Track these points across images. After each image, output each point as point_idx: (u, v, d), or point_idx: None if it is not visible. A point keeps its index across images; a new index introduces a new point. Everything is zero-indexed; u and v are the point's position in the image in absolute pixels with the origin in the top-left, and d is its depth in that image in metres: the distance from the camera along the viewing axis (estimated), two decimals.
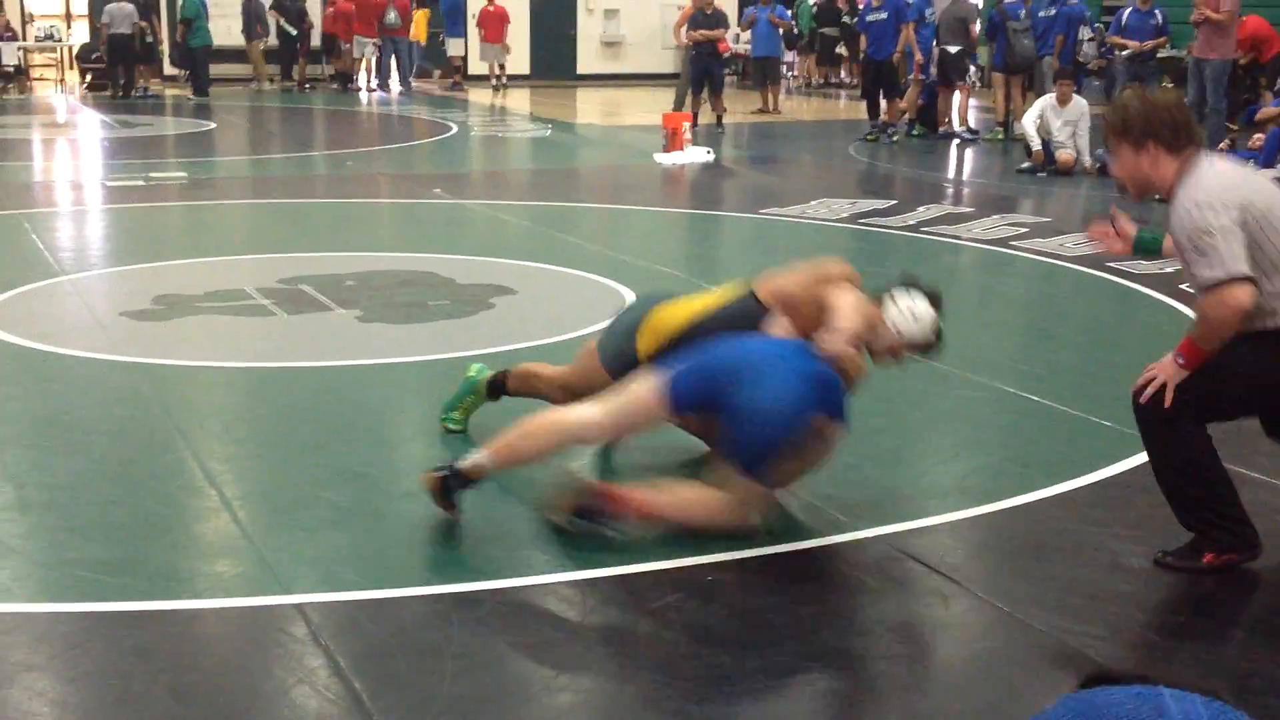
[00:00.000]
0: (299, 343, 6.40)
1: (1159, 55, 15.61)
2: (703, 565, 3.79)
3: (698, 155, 13.72)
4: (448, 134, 16.62)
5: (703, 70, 16.48)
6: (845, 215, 10.22)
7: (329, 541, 3.98)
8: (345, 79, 22.98)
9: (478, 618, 3.50)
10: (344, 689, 3.10)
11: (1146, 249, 4.24)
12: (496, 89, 22.97)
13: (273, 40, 22.55)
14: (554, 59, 26.50)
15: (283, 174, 13.24)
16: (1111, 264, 8.18)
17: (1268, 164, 11.76)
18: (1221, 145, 12.73)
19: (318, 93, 22.52)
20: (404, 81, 23.15)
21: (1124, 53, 15.21)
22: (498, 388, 4.91)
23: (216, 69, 21.37)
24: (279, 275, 7.63)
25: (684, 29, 16.65)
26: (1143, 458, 3.94)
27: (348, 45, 22.88)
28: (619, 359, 4.49)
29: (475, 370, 4.99)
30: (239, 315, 6.80)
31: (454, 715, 2.99)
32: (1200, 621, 3.56)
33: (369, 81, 23.30)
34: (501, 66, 23.70)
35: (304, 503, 4.31)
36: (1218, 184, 3.58)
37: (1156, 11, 14.93)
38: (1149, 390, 3.66)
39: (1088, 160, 12.73)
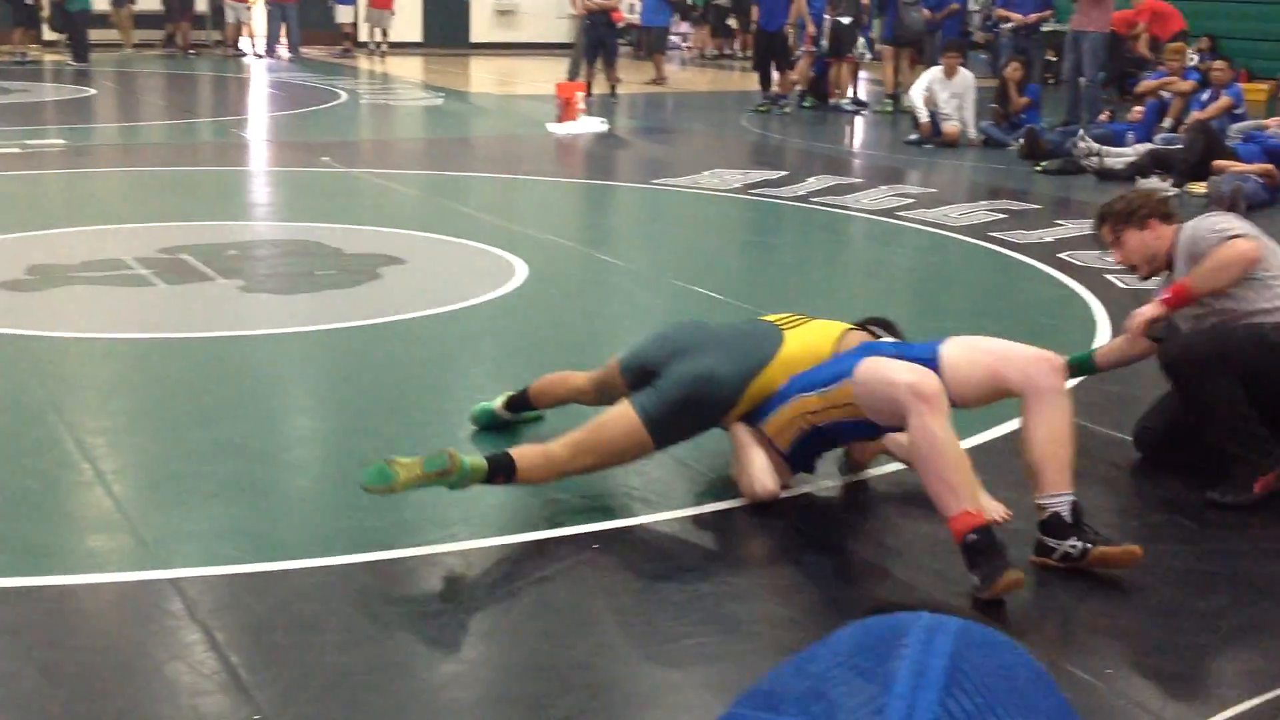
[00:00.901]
0: (179, 314, 6.26)
1: (1043, 28, 15.86)
2: (587, 533, 3.79)
3: (591, 125, 13.67)
4: (336, 101, 16.37)
5: (596, 40, 16.41)
6: (737, 185, 10.26)
7: (207, 516, 3.91)
8: (231, 45, 22.53)
9: (359, 590, 3.46)
10: (220, 664, 3.05)
11: (1083, 368, 4.68)
12: (374, 53, 22.74)
13: (146, 4, 22.00)
14: (447, 26, 26.21)
15: (165, 141, 12.93)
16: (994, 234, 8.31)
17: (1145, 137, 12.03)
18: (1101, 117, 12.98)
19: (203, 58, 22.02)
20: (292, 48, 22.75)
21: (1008, 25, 15.43)
22: (520, 404, 4.61)
23: (98, 34, 20.79)
24: (159, 245, 7.46)
25: None
26: (1015, 424, 3.99)
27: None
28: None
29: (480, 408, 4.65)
30: (116, 286, 6.63)
31: (334, 689, 2.95)
32: (1074, 583, 3.63)
33: (254, 47, 22.85)
34: (384, 32, 23.46)
35: (182, 476, 4.22)
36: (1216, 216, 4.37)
37: None
38: (1138, 325, 4.26)
39: (973, 132, 12.91)
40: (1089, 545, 3.50)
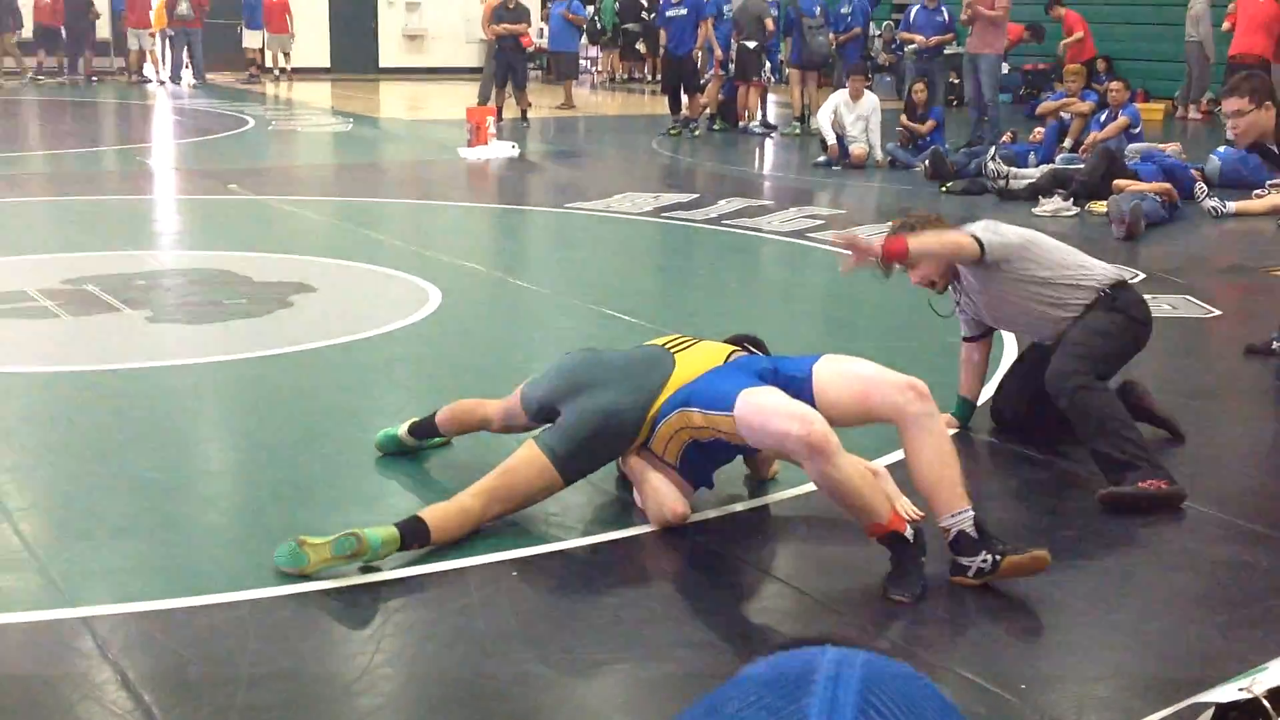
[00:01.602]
0: (84, 346, 6.14)
1: (945, 51, 16.13)
2: (506, 561, 3.77)
3: (502, 150, 13.67)
4: (243, 128, 16.20)
5: (506, 64, 16.41)
6: (649, 209, 10.30)
7: (117, 552, 3.84)
8: (134, 72, 22.22)
9: (274, 624, 3.42)
10: (133, 702, 2.99)
11: (966, 414, 4.97)
12: (278, 79, 22.61)
13: (28, 32, 21.68)
14: (355, 52, 26.08)
15: (68, 170, 12.71)
16: None
17: (1047, 158, 12.28)
18: (1004, 138, 13.23)
19: (105, 85, 21.68)
20: (197, 74, 22.48)
21: (911, 48, 15.68)
22: (426, 430, 4.59)
23: None
24: (63, 275, 7.32)
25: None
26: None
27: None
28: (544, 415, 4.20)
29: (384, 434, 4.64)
30: (18, 318, 6.50)
31: None
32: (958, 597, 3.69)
33: (159, 74, 22.55)
34: (286, 55, 23.33)
35: (91, 512, 4.14)
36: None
37: (943, 8, 15.44)
38: (853, 241, 4.52)
39: (879, 154, 13.09)
40: (999, 557, 3.56)
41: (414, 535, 3.74)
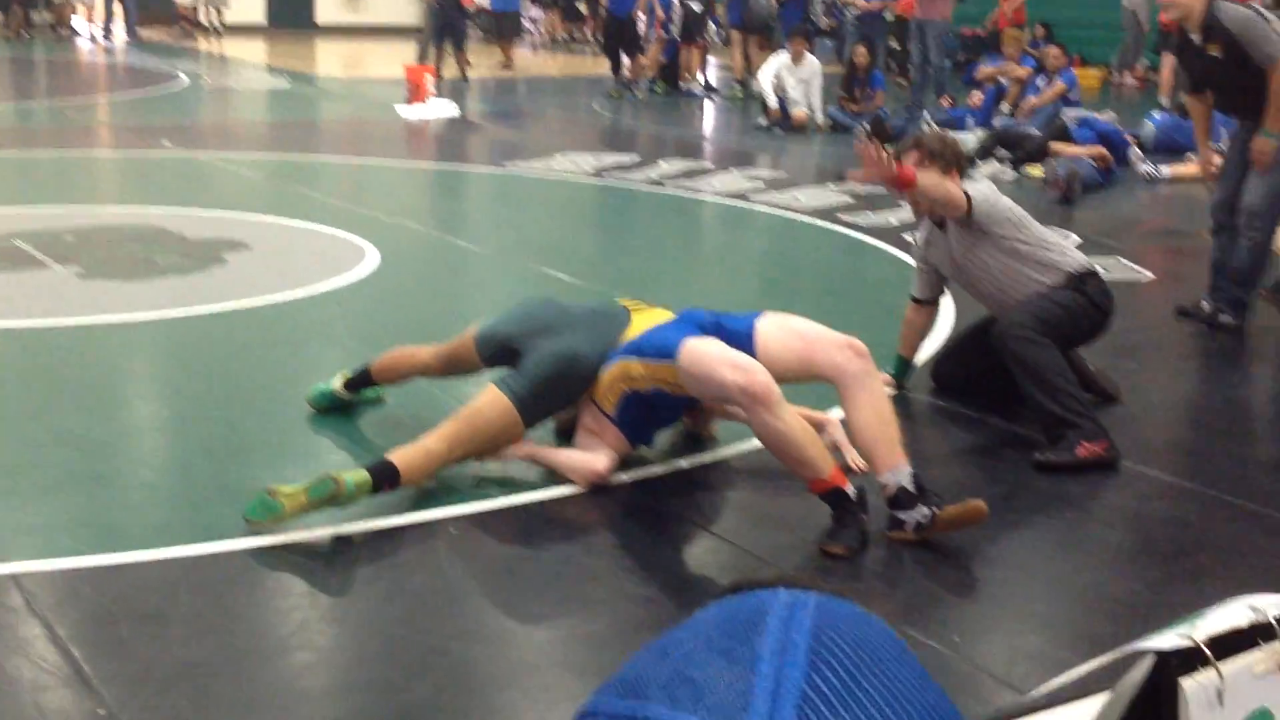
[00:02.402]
0: (12, 301, 6.01)
1: (886, 16, 16.16)
2: (445, 518, 3.75)
3: (442, 109, 13.53)
4: (176, 84, 15.92)
5: (445, 23, 16.23)
6: (590, 170, 10.25)
7: (46, 508, 3.77)
8: (64, 26, 21.78)
9: (205, 581, 3.37)
10: (62, 658, 2.95)
11: (904, 373, 5.00)
12: (212, 34, 22.27)
13: None
14: (291, 8, 25.72)
15: None
16: (842, 216, 8.45)
17: (985, 122, 12.35)
18: (943, 101, 13.28)
19: (37, 40, 21.24)
20: (129, 29, 22.08)
21: (853, 12, 15.68)
22: (361, 381, 4.55)
23: None
24: None
25: None
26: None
27: None
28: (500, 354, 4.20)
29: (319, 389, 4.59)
30: None
31: (181, 681, 2.87)
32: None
33: (90, 28, 22.12)
34: (219, 11, 22.99)
35: (19, 469, 4.07)
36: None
37: None
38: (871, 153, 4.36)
39: (820, 117, 13.10)
40: (935, 509, 3.60)
41: (384, 477, 3.72)
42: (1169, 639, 0.95)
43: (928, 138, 4.79)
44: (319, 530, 3.63)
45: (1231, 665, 0.96)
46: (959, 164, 4.72)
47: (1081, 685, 1.06)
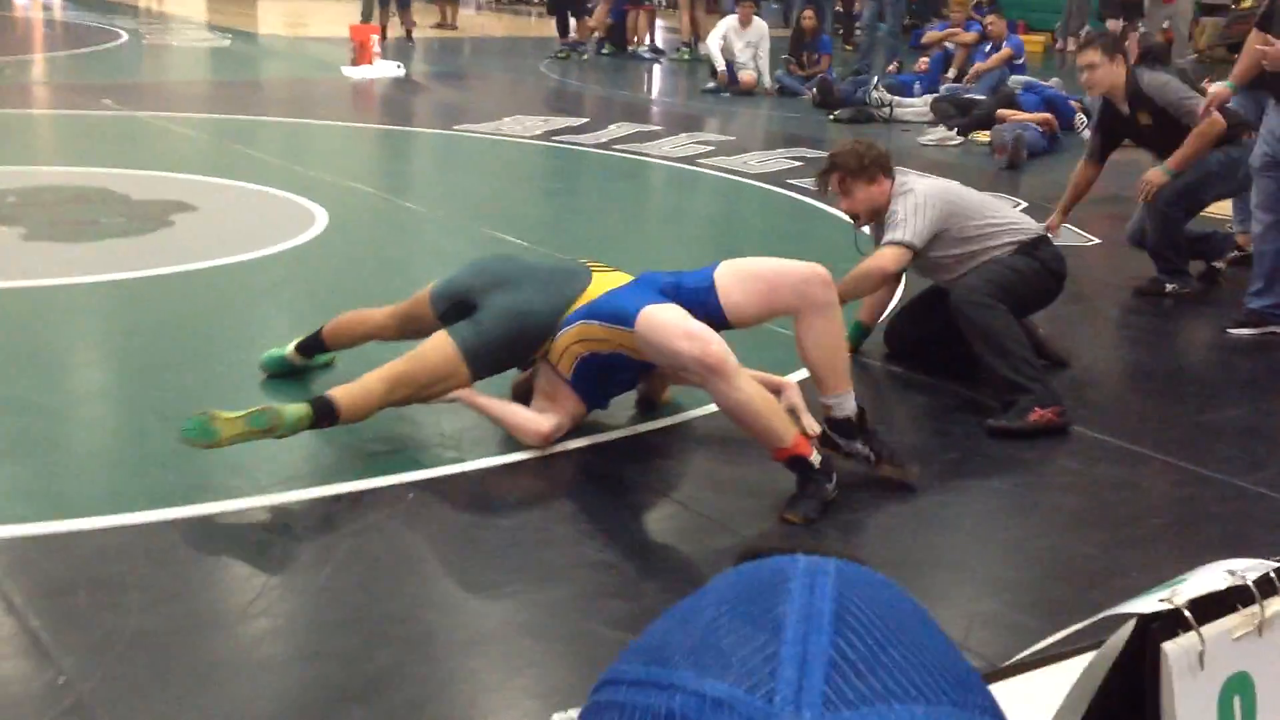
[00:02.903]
0: None
1: None
2: (402, 484, 3.74)
3: (387, 69, 13.40)
4: (116, 42, 15.65)
5: None
6: (538, 132, 10.20)
7: None
8: None
9: (163, 548, 3.35)
10: (19, 627, 2.92)
11: (860, 337, 5.01)
12: None
13: None
14: None
15: None
16: (790, 180, 8.47)
17: (932, 87, 12.39)
18: (890, 67, 13.31)
19: None
20: None
21: None
22: (313, 346, 4.53)
23: None
24: None
25: None
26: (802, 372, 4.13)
27: None
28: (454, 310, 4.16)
29: (271, 354, 4.58)
30: None
31: (140, 649, 2.86)
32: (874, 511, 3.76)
33: None
34: None
35: None
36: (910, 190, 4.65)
37: None
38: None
39: (768, 81, 13.10)
40: (874, 457, 3.80)
41: (324, 413, 3.77)
42: (1150, 603, 0.97)
43: (842, 157, 4.70)
44: (276, 495, 3.62)
45: (1211, 629, 0.99)
46: (883, 168, 4.66)
47: (1059, 647, 1.08)
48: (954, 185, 4.87)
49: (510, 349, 4.04)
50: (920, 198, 4.60)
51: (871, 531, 3.61)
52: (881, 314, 5.10)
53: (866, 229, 4.88)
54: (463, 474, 3.86)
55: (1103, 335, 5.77)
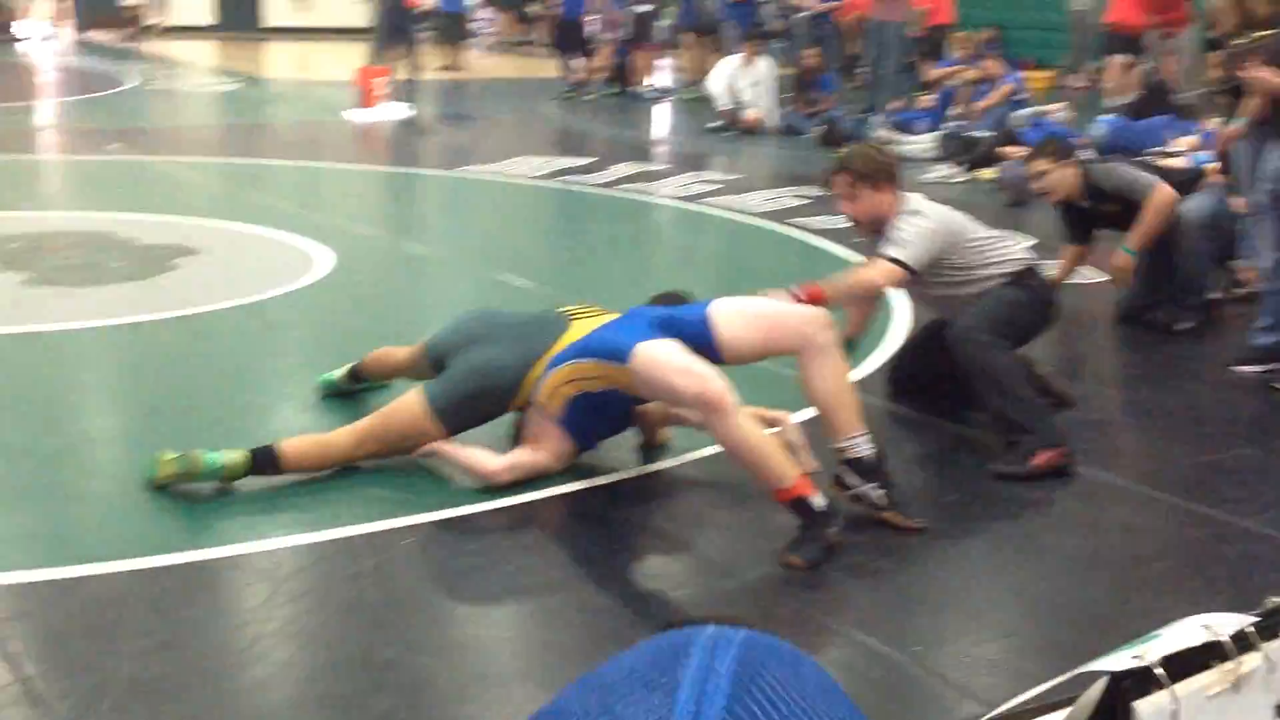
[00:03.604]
0: None
1: (834, 18, 16.18)
2: (399, 528, 3.73)
3: (394, 112, 13.47)
4: (124, 87, 15.76)
5: (394, 25, 16.14)
6: (543, 173, 10.23)
7: None
8: (4, 28, 21.54)
9: (159, 594, 3.34)
10: (14, 675, 2.90)
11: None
12: (157, 36, 22.17)
13: None
14: (240, 9, 25.51)
15: None
16: (795, 219, 8.48)
17: (936, 124, 12.42)
18: (895, 104, 13.34)
19: None
20: (77, 31, 21.85)
21: (802, 14, 15.73)
22: (355, 375, 4.76)
23: None
24: None
25: None
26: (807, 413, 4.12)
27: None
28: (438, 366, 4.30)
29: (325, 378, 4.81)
30: None
31: (135, 697, 2.84)
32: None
33: (35, 31, 21.87)
34: (165, 13, 22.90)
35: None
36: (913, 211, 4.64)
37: None
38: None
39: (773, 119, 13.13)
40: (884, 506, 3.74)
41: (266, 461, 3.90)
42: (1122, 659, 0.96)
43: (854, 158, 4.72)
44: (273, 540, 3.61)
45: (1186, 687, 0.97)
46: (891, 177, 4.68)
47: (1034, 702, 1.07)
48: (959, 214, 4.85)
49: (478, 403, 4.13)
50: (931, 224, 4.60)
51: (873, 574, 3.58)
52: (864, 328, 5.09)
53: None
54: (459, 518, 3.84)
55: (1106, 373, 5.75)
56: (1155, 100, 11.66)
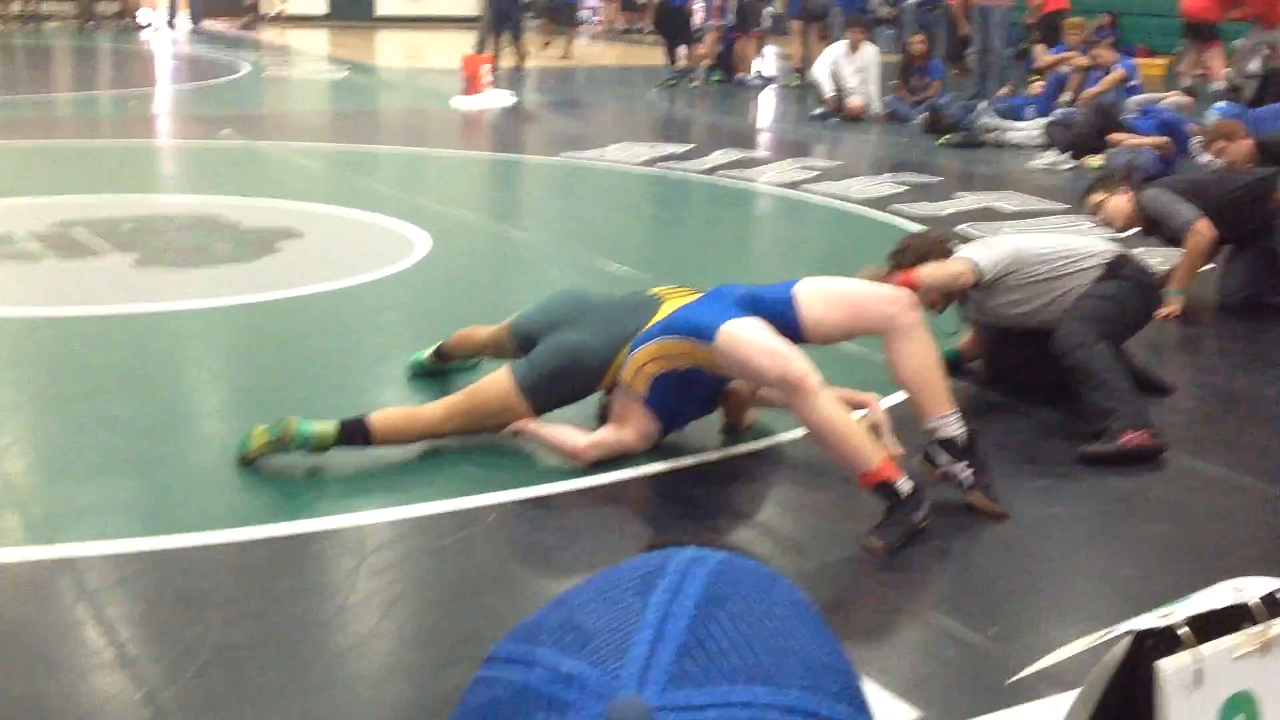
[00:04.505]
0: (70, 288, 6.11)
1: (943, 2, 16.00)
2: (483, 505, 3.78)
3: (498, 99, 13.59)
4: (239, 74, 16.10)
5: (502, 13, 16.29)
6: (644, 159, 10.25)
7: (96, 492, 3.84)
8: (129, 16, 22.12)
9: (248, 565, 3.42)
10: (107, 641, 3.00)
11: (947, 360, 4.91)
12: (276, 25, 22.57)
13: None
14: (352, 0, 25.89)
15: (61, 114, 12.65)
16: (896, 206, 8.40)
17: (1045, 111, 12.21)
18: (1002, 91, 13.14)
19: (103, 30, 21.55)
20: (194, 19, 22.36)
21: (912, 1, 15.55)
22: (440, 355, 4.85)
23: None
24: (51, 219, 7.30)
25: None
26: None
27: None
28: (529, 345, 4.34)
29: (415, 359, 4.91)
30: (3, 260, 6.48)
31: (221, 664, 2.91)
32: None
33: (155, 19, 22.43)
34: (284, 1, 23.31)
35: (72, 453, 4.14)
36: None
37: None
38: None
39: (877, 106, 13.01)
40: (971, 486, 3.70)
41: (355, 432, 3.97)
42: (1147, 619, 0.95)
43: (900, 253, 4.73)
44: (358, 515, 3.68)
45: (1212, 647, 0.95)
46: (942, 252, 4.70)
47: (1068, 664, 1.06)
48: (1020, 238, 4.90)
49: (566, 384, 4.16)
50: (985, 242, 4.72)
51: (956, 559, 3.55)
52: (976, 354, 5.05)
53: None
54: (542, 497, 3.88)
55: (1202, 360, 5.62)
56: (1276, 86, 11.34)
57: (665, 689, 0.53)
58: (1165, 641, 0.93)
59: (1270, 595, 0.99)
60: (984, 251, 4.63)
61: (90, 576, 3.30)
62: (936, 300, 4.73)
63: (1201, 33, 13.88)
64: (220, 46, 19.69)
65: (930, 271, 4.53)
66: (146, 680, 2.84)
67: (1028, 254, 4.69)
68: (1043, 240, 4.90)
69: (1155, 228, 5.88)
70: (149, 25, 22.17)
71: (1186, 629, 0.93)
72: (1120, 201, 5.82)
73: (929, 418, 3.74)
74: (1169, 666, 0.93)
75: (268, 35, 22.38)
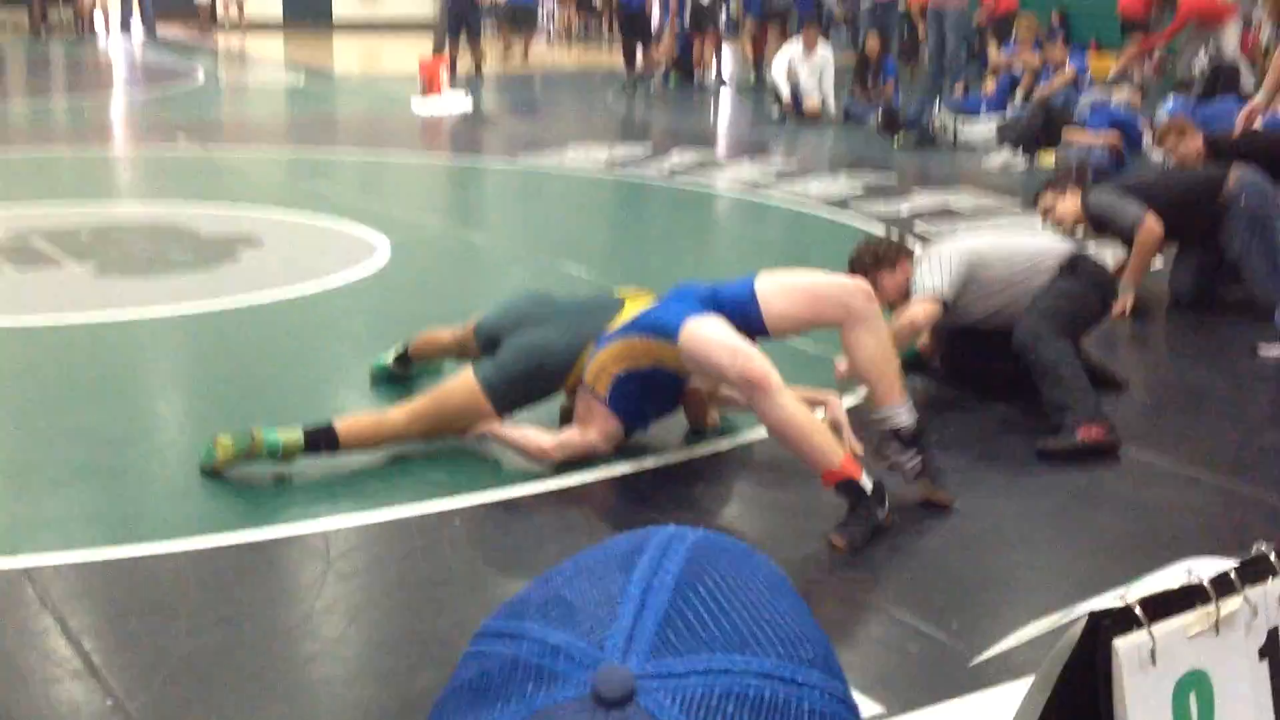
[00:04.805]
0: (27, 298, 6.08)
1: (898, 4, 16.08)
2: (449, 510, 3.79)
3: (456, 103, 13.58)
4: (193, 81, 16.01)
5: (459, 16, 16.26)
6: (602, 162, 10.28)
7: (58, 502, 3.83)
8: (83, 23, 21.94)
9: (214, 573, 3.42)
10: (73, 650, 3.00)
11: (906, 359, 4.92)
12: (231, 31, 22.44)
13: None
14: (308, 4, 25.80)
15: (13, 122, 12.54)
16: (853, 206, 8.46)
17: (999, 110, 12.34)
18: (957, 91, 13.24)
19: (55, 37, 21.37)
20: (147, 26, 22.21)
21: (866, 2, 15.62)
22: (406, 359, 4.86)
23: None
24: (9, 228, 7.25)
25: None
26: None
27: None
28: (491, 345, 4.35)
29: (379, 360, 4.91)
30: None
31: (189, 671, 2.92)
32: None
33: (108, 26, 22.27)
34: (240, 7, 23.20)
35: (33, 463, 4.13)
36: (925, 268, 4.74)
37: None
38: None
39: (833, 107, 13.10)
40: (917, 473, 3.77)
41: (320, 438, 3.96)
42: (1104, 600, 0.98)
43: (857, 258, 4.82)
44: (324, 521, 3.68)
45: (1164, 626, 0.99)
46: (901, 252, 4.82)
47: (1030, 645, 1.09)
48: (976, 241, 4.93)
49: (529, 384, 4.18)
50: (941, 255, 4.71)
51: (918, 554, 3.59)
52: (936, 352, 5.10)
53: None
54: (508, 500, 3.90)
55: (1153, 355, 5.71)
56: (1224, 82, 11.49)
57: (648, 658, 0.56)
58: (1121, 621, 0.96)
59: (1223, 575, 1.03)
60: (937, 274, 4.65)
61: (55, 586, 3.30)
62: (926, 347, 4.91)
63: (1134, 30, 14.14)
64: (175, 53, 19.56)
65: (899, 329, 4.52)
66: (115, 690, 2.84)
67: (987, 255, 4.75)
68: (1002, 241, 4.95)
69: (1105, 228, 5.96)
70: (102, 32, 22.00)
71: (1140, 609, 0.97)
72: (1069, 204, 5.91)
73: (881, 406, 3.81)
74: (1125, 645, 0.97)
75: (223, 40, 22.26)
